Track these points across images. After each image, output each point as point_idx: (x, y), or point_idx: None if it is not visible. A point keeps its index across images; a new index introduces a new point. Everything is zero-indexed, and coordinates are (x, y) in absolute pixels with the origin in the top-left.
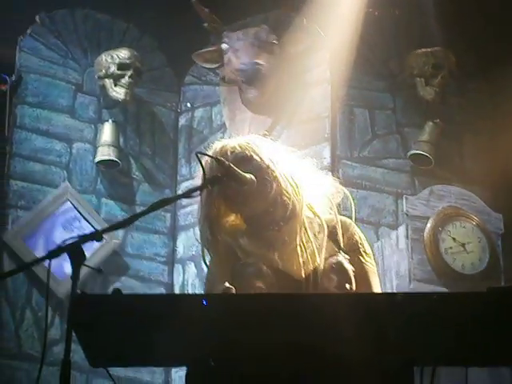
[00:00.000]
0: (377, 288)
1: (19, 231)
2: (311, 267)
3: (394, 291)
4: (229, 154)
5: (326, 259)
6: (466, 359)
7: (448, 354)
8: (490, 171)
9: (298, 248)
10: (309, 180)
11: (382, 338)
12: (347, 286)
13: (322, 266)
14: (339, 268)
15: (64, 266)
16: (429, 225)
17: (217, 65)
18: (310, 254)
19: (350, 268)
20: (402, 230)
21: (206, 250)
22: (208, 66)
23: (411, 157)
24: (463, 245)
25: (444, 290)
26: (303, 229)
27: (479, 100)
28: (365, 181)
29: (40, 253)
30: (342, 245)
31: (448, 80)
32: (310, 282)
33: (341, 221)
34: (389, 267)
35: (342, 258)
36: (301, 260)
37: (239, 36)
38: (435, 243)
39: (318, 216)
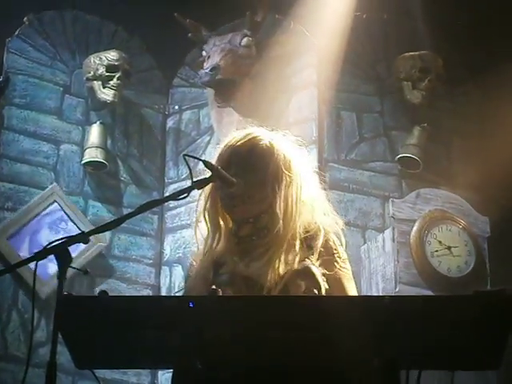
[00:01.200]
0: (352, 293)
1: (4, 230)
2: (280, 274)
3: (380, 294)
4: (243, 152)
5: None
6: (453, 363)
7: (434, 358)
8: (477, 175)
9: (273, 261)
10: (310, 200)
11: (368, 341)
12: (315, 291)
13: (290, 273)
14: (307, 273)
15: (48, 266)
16: (415, 228)
17: None
18: (283, 263)
19: (317, 272)
20: (388, 233)
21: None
22: None
23: (399, 160)
24: (449, 248)
25: (430, 293)
26: (282, 247)
27: (467, 104)
28: (352, 184)
29: (24, 253)
30: (316, 251)
31: (435, 84)
32: (277, 289)
33: (318, 228)
34: (375, 270)
35: (310, 262)
36: (271, 268)
37: (216, 42)
38: (421, 246)
39: (299, 233)
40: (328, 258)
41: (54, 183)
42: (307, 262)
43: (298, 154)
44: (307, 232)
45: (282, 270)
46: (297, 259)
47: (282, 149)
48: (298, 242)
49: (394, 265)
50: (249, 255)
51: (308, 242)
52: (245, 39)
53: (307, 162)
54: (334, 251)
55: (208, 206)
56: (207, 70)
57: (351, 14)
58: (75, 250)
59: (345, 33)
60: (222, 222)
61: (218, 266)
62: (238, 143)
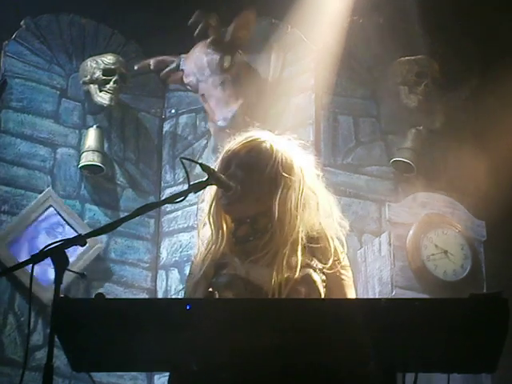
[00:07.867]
0: None
1: (2, 238)
2: (281, 279)
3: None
4: (242, 153)
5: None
6: (449, 366)
7: (430, 360)
8: (473, 178)
9: (274, 264)
10: (315, 204)
11: (365, 344)
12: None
13: (290, 280)
14: (307, 280)
15: (48, 271)
16: (411, 232)
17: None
18: (285, 268)
19: (318, 280)
20: (384, 236)
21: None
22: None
23: (394, 164)
24: (445, 252)
25: (426, 296)
26: (281, 251)
27: (463, 108)
28: (348, 188)
29: (24, 259)
30: (317, 257)
31: (431, 88)
32: (276, 294)
33: (321, 233)
34: (371, 274)
35: (312, 269)
36: (274, 272)
37: (196, 69)
38: (417, 250)
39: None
40: (329, 264)
41: (49, 188)
42: (308, 269)
43: (302, 158)
44: (310, 237)
45: (283, 275)
46: (299, 265)
47: (283, 151)
48: (300, 247)
49: (391, 268)
50: (249, 257)
51: (310, 247)
52: (226, 60)
53: (312, 166)
54: (335, 257)
55: (212, 207)
56: (228, 115)
57: (348, 19)
58: (73, 253)
59: (341, 37)
60: (224, 224)
61: (219, 266)
62: (239, 145)
